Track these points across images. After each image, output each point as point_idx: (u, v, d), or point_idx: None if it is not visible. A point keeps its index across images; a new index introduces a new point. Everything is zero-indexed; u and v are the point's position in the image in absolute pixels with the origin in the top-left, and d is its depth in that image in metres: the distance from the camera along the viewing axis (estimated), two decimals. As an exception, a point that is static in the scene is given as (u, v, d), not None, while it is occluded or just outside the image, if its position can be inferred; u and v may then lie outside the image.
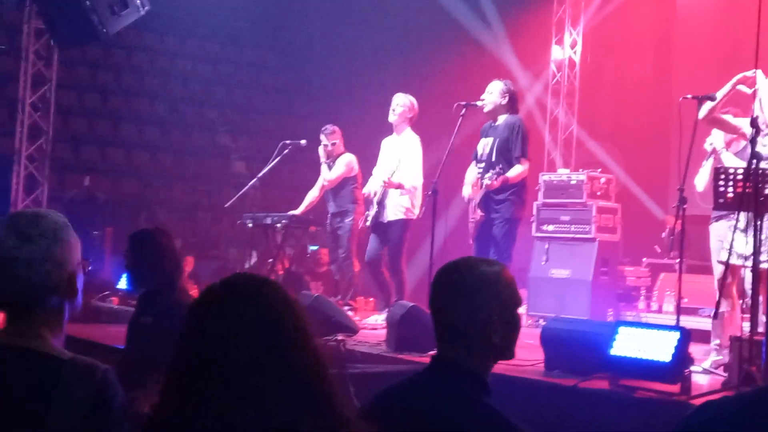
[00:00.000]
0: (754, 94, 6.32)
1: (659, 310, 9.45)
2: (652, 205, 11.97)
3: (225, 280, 1.84)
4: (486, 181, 7.26)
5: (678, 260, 6.44)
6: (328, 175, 9.33)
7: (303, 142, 9.77)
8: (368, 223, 8.71)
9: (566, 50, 12.84)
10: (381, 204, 8.62)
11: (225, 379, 1.69)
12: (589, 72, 12.81)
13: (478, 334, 2.49)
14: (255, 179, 9.56)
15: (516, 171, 7.37)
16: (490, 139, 7.55)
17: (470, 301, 2.50)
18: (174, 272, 4.98)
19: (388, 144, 8.82)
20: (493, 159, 7.44)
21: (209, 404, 1.69)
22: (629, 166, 12.03)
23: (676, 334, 4.97)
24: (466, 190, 7.56)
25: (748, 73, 6.35)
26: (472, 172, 7.66)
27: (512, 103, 7.57)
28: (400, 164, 8.50)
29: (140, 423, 1.80)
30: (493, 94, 7.55)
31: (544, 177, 9.56)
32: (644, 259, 10.37)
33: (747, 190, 5.38)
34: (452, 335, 2.51)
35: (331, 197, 9.41)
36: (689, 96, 6.55)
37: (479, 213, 7.40)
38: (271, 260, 9.50)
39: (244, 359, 1.70)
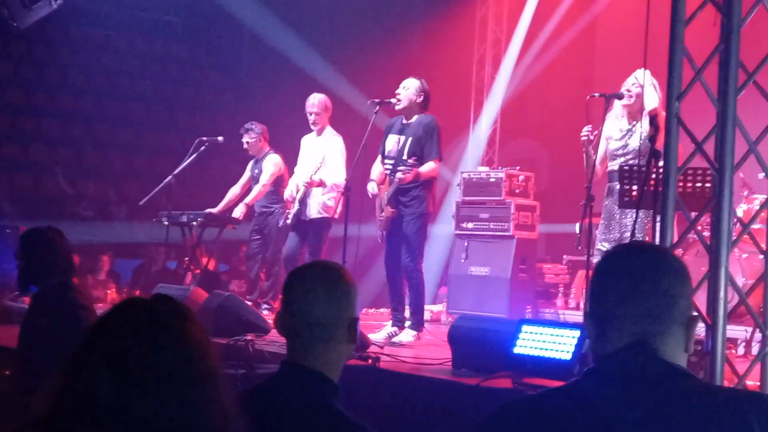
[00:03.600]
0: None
1: (577, 307, 9.52)
2: (574, 203, 12.03)
3: (147, 304, 1.73)
4: (399, 175, 7.22)
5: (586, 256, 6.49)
6: (262, 180, 9.31)
7: (220, 138, 9.67)
8: (289, 221, 8.64)
9: (489, 48, 12.89)
10: (303, 202, 8.57)
11: (120, 402, 1.60)
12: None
13: (332, 335, 2.49)
14: (170, 176, 9.41)
15: (428, 167, 7.35)
16: (401, 137, 7.50)
17: (331, 302, 2.51)
18: (67, 272, 4.87)
19: (308, 142, 8.77)
20: (404, 156, 7.40)
21: (100, 421, 1.60)
22: (553, 164, 12.10)
23: (577, 333, 4.98)
24: (372, 186, 7.51)
25: (584, 137, 6.56)
26: (378, 168, 7.63)
27: (426, 101, 7.54)
28: (324, 163, 8.45)
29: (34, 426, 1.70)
30: (408, 90, 7.50)
31: (464, 174, 9.58)
32: (565, 257, 10.44)
33: (650, 189, 5.41)
34: (305, 337, 2.48)
35: (257, 196, 9.39)
36: (596, 94, 6.60)
37: (389, 210, 7.36)
38: (187, 259, 9.37)
39: (147, 390, 1.61)
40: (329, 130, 8.63)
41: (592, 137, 6.71)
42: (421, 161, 7.35)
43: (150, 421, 1.59)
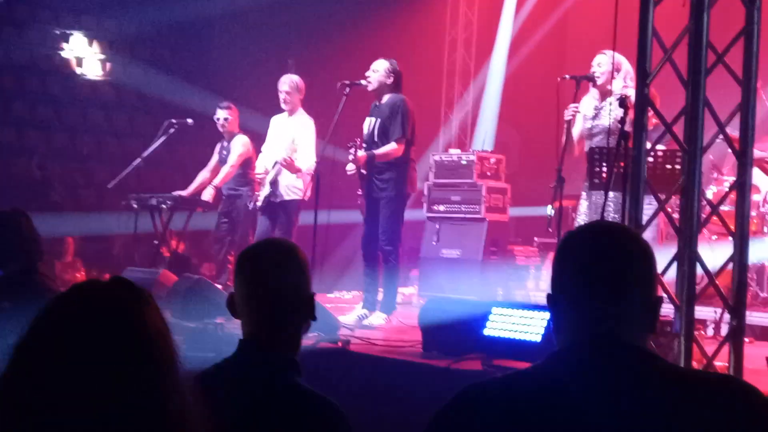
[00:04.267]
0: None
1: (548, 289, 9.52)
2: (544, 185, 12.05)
3: (103, 287, 1.68)
4: (349, 157, 7.19)
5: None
6: (230, 161, 9.23)
7: (189, 120, 9.58)
8: (259, 203, 8.58)
9: (461, 31, 12.86)
10: (274, 184, 8.51)
11: (70, 388, 1.55)
12: (485, 52, 12.85)
13: (289, 312, 2.48)
14: (139, 159, 9.33)
15: (385, 149, 7.30)
16: (373, 119, 7.47)
17: (286, 278, 2.49)
18: (33, 255, 4.81)
19: (278, 122, 8.70)
20: (375, 139, 7.38)
21: (48, 403, 1.55)
22: (524, 147, 12.12)
23: (547, 315, 4.98)
24: (350, 167, 7.47)
25: (567, 117, 6.56)
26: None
27: (397, 82, 7.50)
28: (295, 145, 8.39)
29: None
30: (377, 72, 7.46)
31: (435, 157, 9.56)
32: (536, 239, 10.45)
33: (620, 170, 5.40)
34: (262, 315, 2.46)
35: (224, 179, 9.32)
36: (567, 76, 6.61)
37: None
38: (156, 242, 9.30)
39: (99, 376, 1.56)
40: (301, 112, 8.56)
41: (574, 120, 6.72)
42: (387, 142, 7.31)
43: (101, 407, 1.55)
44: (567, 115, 6.72)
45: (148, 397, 1.59)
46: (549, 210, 6.70)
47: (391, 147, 7.29)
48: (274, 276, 2.47)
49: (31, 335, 1.60)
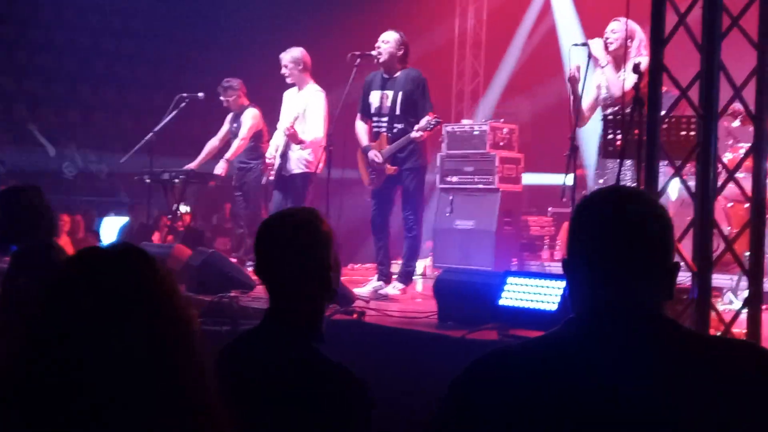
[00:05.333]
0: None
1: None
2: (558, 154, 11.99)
3: (106, 248, 1.68)
4: (415, 135, 7.19)
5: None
6: (241, 134, 9.24)
7: (200, 95, 9.56)
8: (271, 178, 8.58)
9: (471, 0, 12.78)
10: (284, 156, 8.50)
11: (81, 351, 1.54)
12: (498, 23, 12.75)
13: (312, 282, 2.48)
14: (151, 133, 9.32)
15: (424, 123, 7.34)
16: (389, 92, 7.44)
17: (311, 248, 2.49)
18: (49, 231, 4.81)
19: (289, 97, 8.68)
20: (398, 112, 7.37)
21: (61, 374, 1.54)
22: (537, 116, 12.04)
23: (563, 284, 4.96)
24: (373, 154, 7.44)
25: (572, 71, 6.50)
26: (362, 126, 7.60)
27: (406, 55, 7.49)
28: (304, 116, 8.37)
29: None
30: (388, 43, 7.43)
31: (448, 128, 9.50)
32: (550, 209, 10.41)
33: (633, 138, 5.36)
34: (286, 286, 2.45)
35: (236, 152, 9.32)
36: (578, 43, 6.55)
37: (390, 168, 7.34)
38: (170, 216, 9.31)
39: (110, 334, 1.55)
40: (312, 86, 8.53)
41: (578, 75, 6.65)
42: (416, 117, 7.30)
43: (116, 372, 1.54)
44: (570, 73, 6.67)
45: (167, 356, 1.58)
46: (569, 179, 6.62)
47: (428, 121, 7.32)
48: (295, 247, 2.45)
49: (47, 300, 1.60)
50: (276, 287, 2.48)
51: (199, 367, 1.64)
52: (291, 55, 8.50)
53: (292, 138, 8.27)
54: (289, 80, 8.54)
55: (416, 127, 7.22)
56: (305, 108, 8.42)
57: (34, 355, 1.55)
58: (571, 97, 6.71)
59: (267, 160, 8.70)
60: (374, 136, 7.54)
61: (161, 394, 1.56)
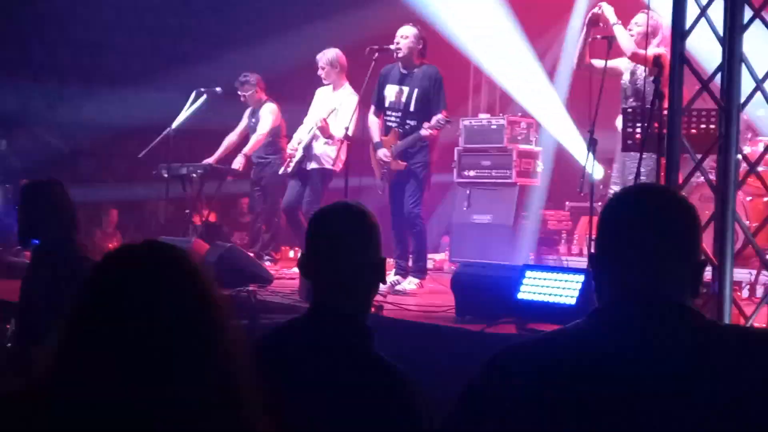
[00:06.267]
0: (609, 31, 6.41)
1: (580, 254, 9.47)
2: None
3: (145, 242, 1.70)
4: (425, 132, 7.19)
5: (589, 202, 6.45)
6: (260, 129, 9.22)
7: (218, 89, 9.55)
8: (290, 170, 8.57)
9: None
10: (307, 150, 8.49)
11: (130, 343, 1.56)
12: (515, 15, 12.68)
13: (362, 277, 2.45)
14: (169, 128, 9.33)
15: (435, 121, 7.33)
16: (405, 88, 7.43)
17: (361, 243, 2.45)
18: (69, 225, 4.82)
19: (322, 95, 8.65)
20: (412, 109, 7.37)
21: (111, 368, 1.55)
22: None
23: (581, 278, 4.95)
24: (383, 153, 7.46)
25: (595, 10, 6.43)
26: (375, 120, 7.60)
27: (424, 49, 7.48)
28: (335, 114, 8.30)
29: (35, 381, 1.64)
30: (407, 38, 7.41)
31: (465, 122, 9.48)
32: (567, 203, 10.38)
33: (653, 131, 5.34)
34: (335, 280, 2.43)
35: (254, 147, 9.32)
36: (599, 37, 6.52)
37: (400, 163, 7.35)
38: (188, 211, 9.33)
39: (157, 325, 1.57)
40: (347, 87, 8.45)
41: (601, 16, 6.58)
42: (428, 114, 7.30)
43: (155, 363, 1.55)
44: (593, 14, 6.64)
45: (202, 351, 1.59)
46: (594, 173, 6.57)
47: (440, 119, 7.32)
48: (349, 240, 2.43)
49: (85, 299, 1.61)
50: (330, 278, 2.43)
51: (235, 349, 1.64)
52: (327, 57, 8.44)
53: (323, 131, 8.19)
54: (326, 82, 8.52)
55: (426, 125, 7.22)
56: (336, 107, 8.34)
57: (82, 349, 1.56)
58: (582, 36, 6.65)
59: (288, 152, 8.68)
60: (386, 130, 7.55)
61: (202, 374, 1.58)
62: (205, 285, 1.65)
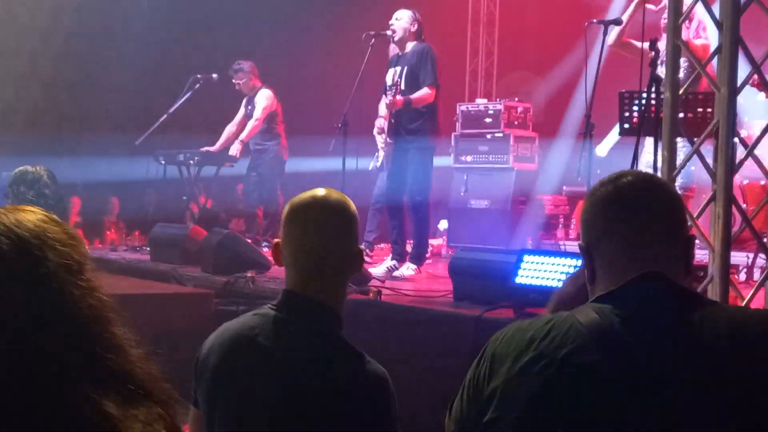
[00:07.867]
0: (661, 12, 6.32)
1: (578, 238, 9.44)
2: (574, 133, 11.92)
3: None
4: (386, 101, 7.14)
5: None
6: (255, 116, 9.16)
7: (215, 75, 9.52)
8: (378, 164, 7.78)
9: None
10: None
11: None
12: (511, 1, 12.68)
13: (337, 265, 2.45)
14: (165, 115, 9.31)
15: (420, 93, 7.25)
16: (398, 68, 7.42)
17: (337, 231, 2.45)
18: (60, 213, 4.81)
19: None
20: (403, 87, 7.32)
21: None
22: (551, 96, 11.99)
23: (579, 262, 4.94)
24: (380, 122, 7.45)
25: None
26: (383, 104, 7.57)
27: (420, 31, 7.46)
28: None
29: None
30: (401, 20, 7.41)
31: (462, 107, 9.48)
32: (564, 188, 10.38)
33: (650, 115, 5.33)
34: (310, 268, 2.42)
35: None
36: (595, 21, 6.51)
37: (388, 142, 7.30)
38: (185, 198, 9.32)
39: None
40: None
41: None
42: (418, 89, 7.26)
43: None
44: None
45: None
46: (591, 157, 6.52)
47: (425, 92, 7.25)
48: (323, 229, 2.42)
49: None
50: (303, 266, 2.42)
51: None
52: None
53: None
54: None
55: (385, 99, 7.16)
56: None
57: None
58: (631, 11, 6.58)
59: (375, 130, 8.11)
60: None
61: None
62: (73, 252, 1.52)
